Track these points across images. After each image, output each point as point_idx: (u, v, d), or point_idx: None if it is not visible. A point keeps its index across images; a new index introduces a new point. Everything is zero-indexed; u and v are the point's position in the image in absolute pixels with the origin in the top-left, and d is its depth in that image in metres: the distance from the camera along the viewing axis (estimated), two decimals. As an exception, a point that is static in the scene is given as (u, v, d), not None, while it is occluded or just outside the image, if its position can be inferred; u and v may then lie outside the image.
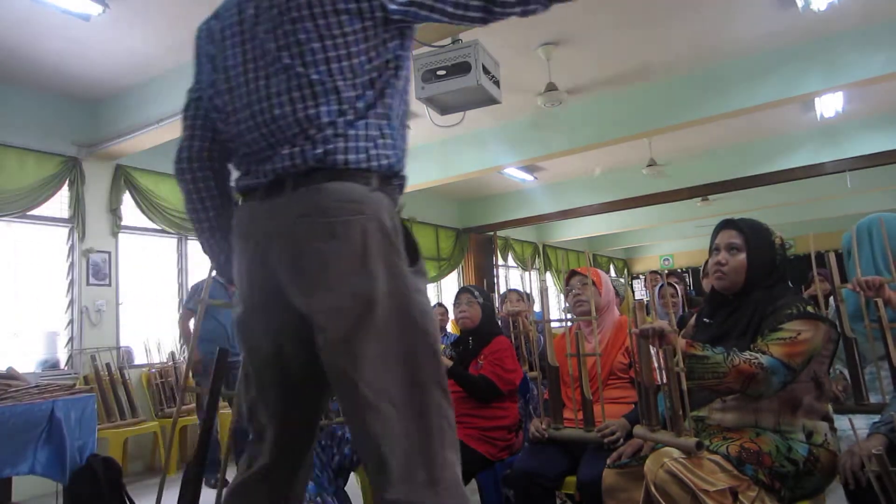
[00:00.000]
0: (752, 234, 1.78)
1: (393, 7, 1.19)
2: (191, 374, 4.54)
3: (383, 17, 1.20)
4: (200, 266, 5.61)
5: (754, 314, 1.71)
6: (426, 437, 1.13)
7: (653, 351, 1.64)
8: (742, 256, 1.76)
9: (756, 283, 1.75)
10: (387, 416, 1.11)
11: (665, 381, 1.58)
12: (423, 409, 1.14)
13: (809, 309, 1.64)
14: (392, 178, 1.24)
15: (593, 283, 2.33)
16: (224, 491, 1.32)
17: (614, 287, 3.69)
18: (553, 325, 2.74)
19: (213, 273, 4.63)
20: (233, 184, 1.38)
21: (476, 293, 2.85)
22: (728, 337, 1.72)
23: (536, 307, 5.28)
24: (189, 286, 5.42)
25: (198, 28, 1.39)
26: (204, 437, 2.14)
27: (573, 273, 2.43)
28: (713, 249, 1.83)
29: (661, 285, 4.47)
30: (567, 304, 2.45)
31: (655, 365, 1.65)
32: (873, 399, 1.94)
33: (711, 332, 1.80)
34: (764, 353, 1.55)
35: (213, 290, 4.29)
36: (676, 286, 4.37)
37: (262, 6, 1.23)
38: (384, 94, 1.24)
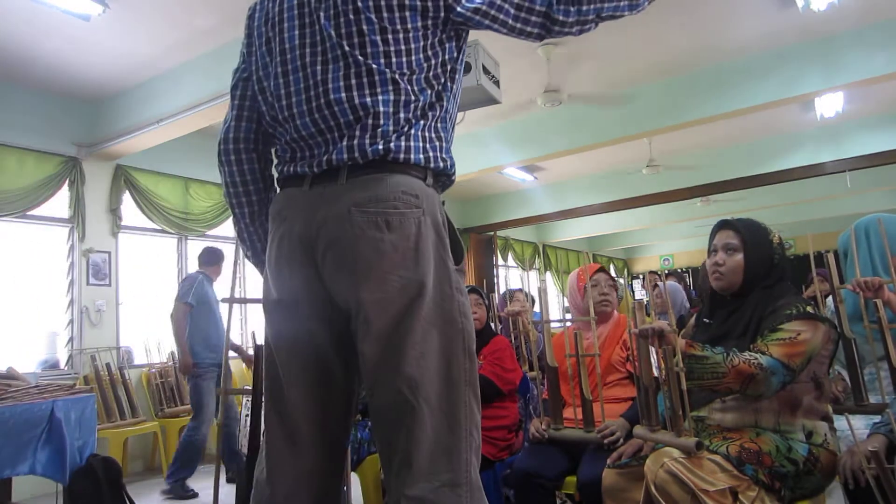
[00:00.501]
0: (749, 234, 1.78)
1: (459, 9, 1.20)
2: (185, 378, 4.43)
3: (445, 18, 1.21)
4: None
5: (753, 314, 1.71)
6: (455, 438, 1.14)
7: (652, 351, 1.64)
8: (739, 257, 1.76)
9: (754, 282, 1.75)
10: (420, 412, 1.11)
11: (664, 380, 1.58)
12: (454, 410, 1.15)
13: (809, 309, 1.64)
14: (443, 177, 1.26)
15: (615, 288, 2.37)
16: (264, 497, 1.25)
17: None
18: (553, 325, 2.73)
19: (202, 268, 4.43)
20: (274, 171, 1.35)
21: (482, 294, 2.87)
22: (728, 337, 1.72)
23: (536, 307, 5.27)
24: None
25: (251, 7, 1.36)
26: (253, 433, 2.13)
27: (600, 270, 2.43)
28: (711, 250, 1.84)
29: (655, 286, 4.47)
30: (578, 300, 2.41)
31: (655, 365, 1.65)
32: (873, 400, 1.94)
33: (711, 332, 1.80)
34: (763, 353, 1.55)
35: (205, 286, 4.22)
36: (678, 285, 4.37)
37: None
38: (442, 98, 1.24)
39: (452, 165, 1.27)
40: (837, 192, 8.34)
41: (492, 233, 9.62)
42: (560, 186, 8.56)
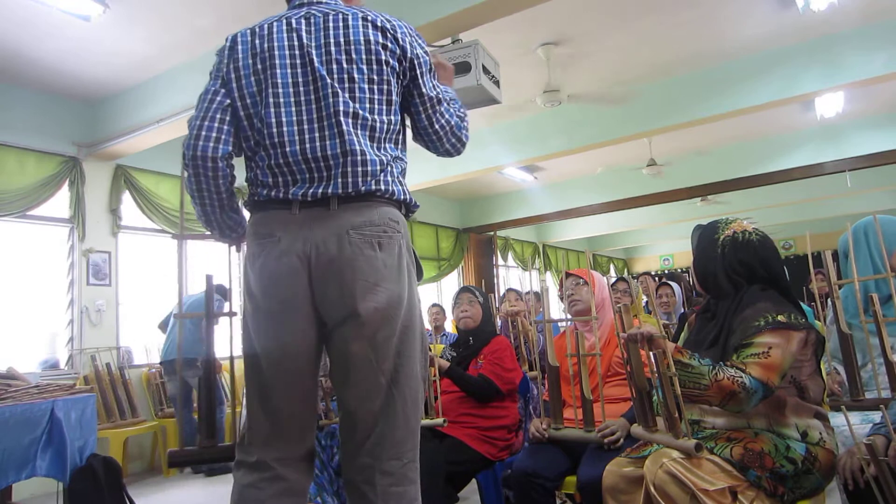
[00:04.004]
0: (695, 239, 1.82)
1: (416, 82, 1.48)
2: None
3: (406, 85, 1.48)
4: (200, 266, 5.61)
5: (723, 325, 1.70)
6: (417, 423, 1.39)
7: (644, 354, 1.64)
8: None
9: (710, 282, 1.77)
10: (395, 401, 1.35)
11: (656, 383, 1.58)
12: (417, 399, 1.40)
13: (780, 318, 1.59)
14: (410, 211, 1.50)
15: (585, 283, 2.34)
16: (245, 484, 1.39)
17: (628, 281, 3.70)
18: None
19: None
20: (250, 190, 1.46)
21: (476, 293, 2.85)
22: (700, 346, 1.71)
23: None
24: (188, 287, 5.40)
25: (231, 38, 1.47)
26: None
27: (567, 275, 2.45)
28: None
29: (659, 286, 4.48)
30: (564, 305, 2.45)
31: (647, 367, 1.65)
32: (869, 396, 1.94)
33: (694, 336, 1.81)
34: (744, 371, 1.53)
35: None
36: (676, 286, 4.38)
37: (317, 36, 1.41)
38: (403, 155, 1.49)
39: (416, 204, 1.51)
40: (837, 192, 8.35)
41: (492, 233, 9.62)
42: (560, 186, 8.56)
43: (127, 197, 5.12)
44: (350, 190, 1.34)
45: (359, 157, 1.35)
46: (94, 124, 4.85)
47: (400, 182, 1.43)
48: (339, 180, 1.35)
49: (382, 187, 1.38)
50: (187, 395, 4.55)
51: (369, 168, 1.36)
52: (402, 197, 1.43)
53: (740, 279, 1.74)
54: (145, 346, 5.15)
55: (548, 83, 4.74)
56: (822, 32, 4.52)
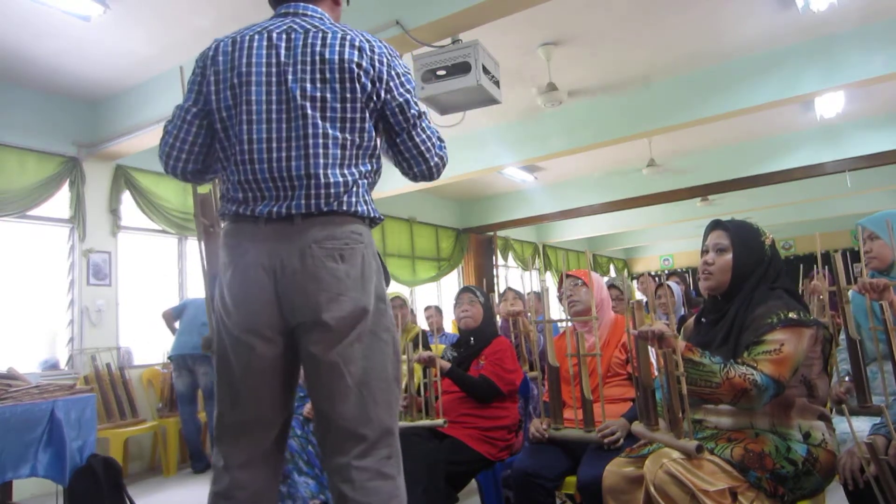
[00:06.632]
0: (738, 234, 1.78)
1: (388, 99, 1.48)
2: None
3: (377, 104, 1.48)
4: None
5: (734, 323, 1.70)
6: (392, 421, 1.44)
7: (652, 352, 1.64)
8: (728, 256, 1.77)
9: (742, 283, 1.75)
10: (365, 402, 1.40)
11: (662, 382, 1.58)
12: (389, 400, 1.44)
13: (792, 315, 1.61)
14: (374, 222, 1.54)
15: (584, 284, 2.34)
16: (222, 484, 1.44)
17: (620, 287, 3.69)
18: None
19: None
20: (220, 205, 1.49)
21: (478, 293, 2.85)
22: (710, 345, 1.71)
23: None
24: (187, 286, 5.42)
25: (213, 48, 1.49)
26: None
27: (566, 276, 2.44)
28: (703, 251, 1.84)
29: (658, 286, 4.48)
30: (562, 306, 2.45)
31: (654, 366, 1.65)
32: (877, 401, 1.94)
33: (699, 338, 1.80)
34: (755, 368, 1.54)
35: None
36: (676, 286, 4.38)
37: (294, 54, 1.43)
38: (377, 172, 1.53)
39: (380, 217, 1.55)
40: (837, 192, 8.35)
41: (492, 233, 9.62)
42: (560, 186, 8.55)
43: (127, 197, 5.11)
44: (313, 209, 1.39)
45: (322, 181, 1.39)
46: (94, 124, 4.85)
47: (365, 201, 1.47)
48: (303, 201, 1.39)
49: (345, 207, 1.42)
50: (192, 392, 4.53)
51: (332, 190, 1.40)
52: (366, 214, 1.47)
53: (774, 282, 1.76)
54: (163, 351, 5.09)
55: (548, 83, 4.74)
56: (821, 32, 4.52)
